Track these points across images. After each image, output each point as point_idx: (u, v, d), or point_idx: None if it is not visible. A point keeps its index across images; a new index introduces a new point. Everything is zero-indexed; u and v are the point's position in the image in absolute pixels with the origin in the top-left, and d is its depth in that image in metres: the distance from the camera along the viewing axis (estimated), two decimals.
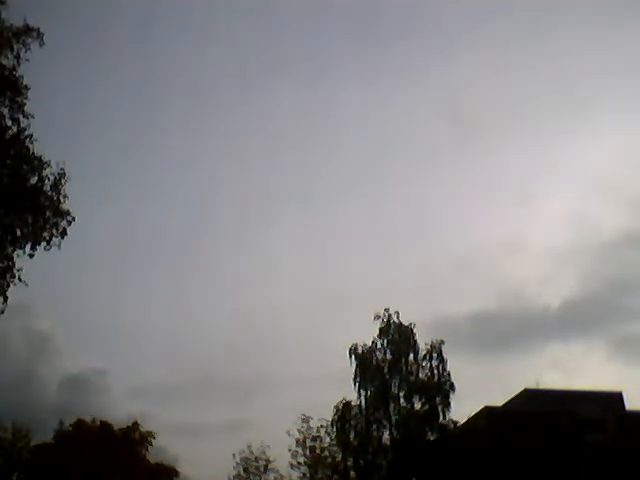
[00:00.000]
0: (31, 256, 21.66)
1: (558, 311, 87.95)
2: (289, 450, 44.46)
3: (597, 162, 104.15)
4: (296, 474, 45.01)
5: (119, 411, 68.76)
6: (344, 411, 43.62)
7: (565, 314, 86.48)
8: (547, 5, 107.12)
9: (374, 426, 43.69)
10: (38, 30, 21.76)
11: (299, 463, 44.61)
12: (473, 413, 44.39)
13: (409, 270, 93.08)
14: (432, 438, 43.31)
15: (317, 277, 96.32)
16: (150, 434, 53.81)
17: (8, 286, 21.36)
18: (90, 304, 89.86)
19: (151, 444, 53.96)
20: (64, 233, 21.92)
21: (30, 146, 21.60)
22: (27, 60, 21.75)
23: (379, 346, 44.59)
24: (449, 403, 43.12)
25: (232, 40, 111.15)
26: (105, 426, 53.54)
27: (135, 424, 53.84)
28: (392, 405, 43.64)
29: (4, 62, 21.45)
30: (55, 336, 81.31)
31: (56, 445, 52.48)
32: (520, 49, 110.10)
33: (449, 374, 43.57)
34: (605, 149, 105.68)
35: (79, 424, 53.44)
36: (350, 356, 44.28)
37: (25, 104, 21.65)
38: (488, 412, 44.24)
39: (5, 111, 21.47)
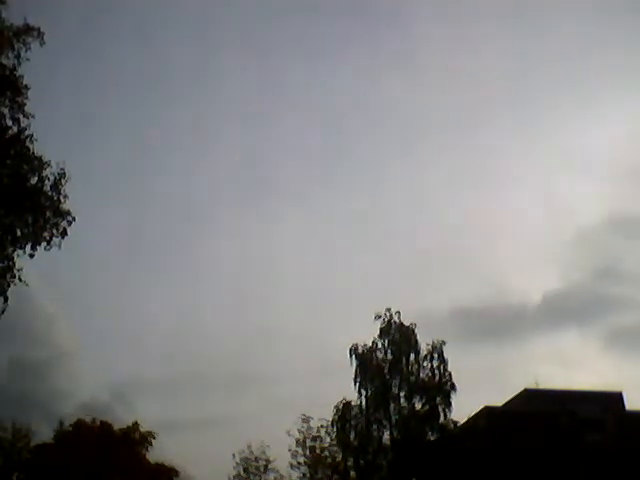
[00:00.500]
0: (31, 256, 21.67)
1: (541, 304, 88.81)
2: (289, 450, 44.48)
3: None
4: (296, 474, 45.03)
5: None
6: (344, 411, 43.58)
7: (548, 307, 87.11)
8: None
9: (374, 426, 43.66)
10: (39, 29, 21.79)
11: (299, 463, 44.59)
12: (473, 413, 44.44)
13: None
14: (432, 438, 43.27)
15: (317, 276, 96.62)
16: (150, 434, 53.78)
17: (8, 286, 21.38)
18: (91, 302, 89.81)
19: (151, 444, 53.98)
20: (64, 233, 21.91)
21: (30, 146, 21.62)
22: (27, 60, 21.77)
23: (379, 346, 44.59)
24: (450, 403, 43.09)
25: None
26: (105, 426, 53.52)
27: (135, 424, 53.84)
28: (392, 405, 43.61)
29: (4, 62, 21.48)
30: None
31: (56, 445, 52.45)
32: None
33: (450, 374, 43.55)
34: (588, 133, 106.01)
35: (79, 424, 53.42)
36: (350, 356, 44.29)
37: (25, 104, 21.66)
38: (488, 412, 44.22)
39: (5, 111, 21.48)
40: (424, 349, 44.20)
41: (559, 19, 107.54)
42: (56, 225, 21.79)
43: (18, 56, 21.52)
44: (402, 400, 43.76)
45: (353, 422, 43.66)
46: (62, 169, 21.80)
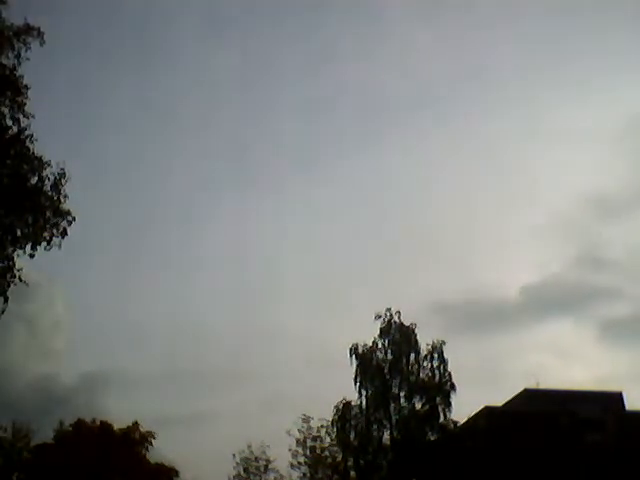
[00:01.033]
0: (31, 256, 21.63)
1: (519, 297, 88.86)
2: (289, 450, 44.51)
3: None
4: (296, 474, 45.05)
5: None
6: (344, 411, 43.59)
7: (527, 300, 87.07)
8: None
9: (374, 426, 43.67)
10: (39, 29, 21.74)
11: (299, 463, 44.60)
12: (473, 413, 44.46)
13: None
14: (432, 438, 43.27)
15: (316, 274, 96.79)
16: (150, 434, 53.79)
17: (8, 286, 21.33)
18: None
19: (151, 444, 53.98)
20: (64, 233, 21.89)
21: (30, 146, 21.56)
22: (27, 59, 21.75)
23: (380, 346, 44.60)
24: (450, 403, 43.11)
25: None
26: (105, 426, 53.51)
27: (135, 424, 53.82)
28: (392, 405, 43.62)
29: (4, 62, 21.42)
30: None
31: (56, 445, 52.44)
32: None
33: (450, 374, 43.57)
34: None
35: (79, 424, 53.42)
36: (351, 356, 44.30)
37: (25, 104, 21.61)
38: (488, 412, 44.26)
39: (5, 111, 21.44)
40: (424, 349, 44.28)
41: None
42: (56, 225, 21.75)
43: (18, 56, 21.48)
44: (402, 400, 43.80)
45: (353, 422, 43.67)
46: (62, 169, 21.77)
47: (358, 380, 43.92)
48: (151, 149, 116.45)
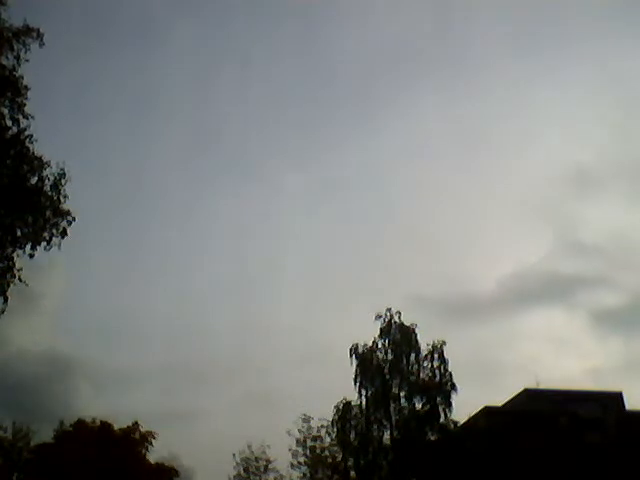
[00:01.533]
0: (31, 256, 21.69)
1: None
2: (289, 450, 44.54)
3: None
4: (296, 474, 45.07)
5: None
6: (344, 411, 43.57)
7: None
8: None
9: (375, 426, 43.62)
10: (38, 30, 21.82)
11: (299, 463, 44.64)
12: (473, 413, 44.46)
13: None
14: (432, 438, 43.26)
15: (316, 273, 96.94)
16: (150, 434, 53.80)
17: (8, 286, 21.38)
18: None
19: (151, 444, 54.00)
20: (64, 233, 21.93)
21: (30, 146, 21.65)
22: (27, 60, 21.80)
23: (380, 346, 44.57)
24: (450, 403, 43.02)
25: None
26: (105, 426, 53.51)
27: (135, 424, 53.83)
28: (393, 405, 43.58)
29: (4, 62, 21.50)
30: None
31: (56, 445, 52.45)
32: None
33: (450, 374, 43.48)
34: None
35: (79, 424, 53.43)
36: (351, 356, 44.28)
37: (25, 104, 21.68)
38: (488, 412, 44.26)
39: (5, 111, 21.49)
40: (424, 349, 44.24)
41: None
42: (56, 225, 21.82)
43: (18, 57, 21.55)
44: (402, 400, 43.75)
45: (353, 422, 43.64)
46: (62, 169, 21.84)
47: (358, 380, 43.92)
48: (151, 149, 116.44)
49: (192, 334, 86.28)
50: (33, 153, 21.66)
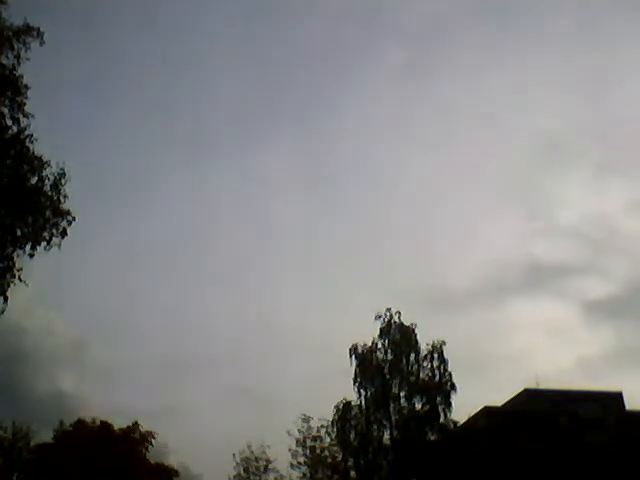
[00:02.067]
0: (31, 256, 21.69)
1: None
2: (289, 450, 44.52)
3: None
4: (296, 474, 45.04)
5: None
6: (344, 411, 43.55)
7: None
8: None
9: (374, 426, 43.61)
10: (38, 29, 21.83)
11: (299, 463, 44.61)
12: (473, 413, 44.43)
13: None
14: (432, 438, 43.25)
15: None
16: (150, 434, 53.81)
17: (8, 286, 21.39)
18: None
19: (151, 444, 54.01)
20: (64, 233, 21.93)
21: (30, 146, 21.64)
22: (27, 59, 21.79)
23: (379, 346, 44.56)
24: (450, 403, 43.01)
25: None
26: (105, 426, 53.52)
27: (135, 424, 53.84)
28: (392, 405, 43.57)
29: (4, 61, 21.50)
30: None
31: (56, 445, 52.45)
32: None
33: (450, 374, 43.46)
34: None
35: (79, 424, 53.45)
36: (350, 356, 44.26)
37: (25, 104, 21.68)
38: (488, 412, 44.22)
39: (5, 111, 21.48)
40: (424, 349, 44.22)
41: None
42: (56, 225, 21.82)
43: (18, 56, 21.55)
44: (402, 400, 43.74)
45: (353, 422, 43.62)
46: (62, 169, 21.84)
47: (358, 380, 43.91)
48: (151, 148, 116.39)
49: (192, 334, 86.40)
50: (33, 153, 21.67)
